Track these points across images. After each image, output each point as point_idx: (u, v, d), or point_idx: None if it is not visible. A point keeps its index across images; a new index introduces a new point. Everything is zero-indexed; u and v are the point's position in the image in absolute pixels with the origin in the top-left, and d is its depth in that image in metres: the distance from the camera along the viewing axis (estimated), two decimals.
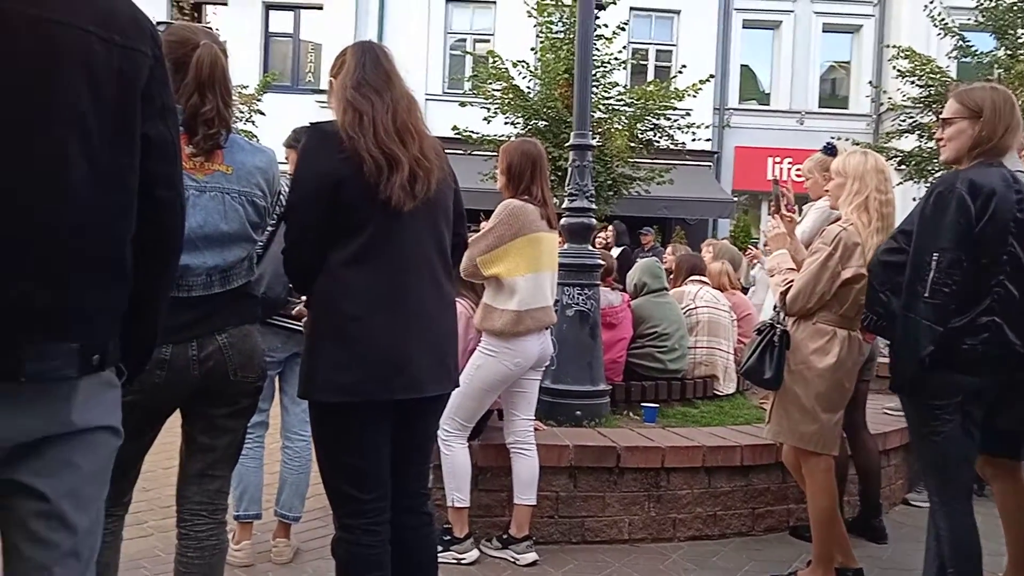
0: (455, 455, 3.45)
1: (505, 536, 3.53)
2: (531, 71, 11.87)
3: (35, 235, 1.29)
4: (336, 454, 2.23)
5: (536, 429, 3.74)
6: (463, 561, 3.44)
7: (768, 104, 17.65)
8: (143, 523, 3.69)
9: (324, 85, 2.57)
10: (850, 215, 3.23)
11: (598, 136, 10.70)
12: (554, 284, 3.58)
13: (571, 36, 10.75)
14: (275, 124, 8.81)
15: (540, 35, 11.95)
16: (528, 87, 11.95)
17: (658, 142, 12.25)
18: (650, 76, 15.43)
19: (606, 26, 10.94)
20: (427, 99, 14.83)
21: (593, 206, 4.50)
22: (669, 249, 9.59)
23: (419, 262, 2.21)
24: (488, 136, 11.56)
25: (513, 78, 11.66)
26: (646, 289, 4.97)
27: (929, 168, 12.04)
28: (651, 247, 11.38)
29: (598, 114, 11.08)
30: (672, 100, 11.79)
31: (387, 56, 2.27)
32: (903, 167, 12.34)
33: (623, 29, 11.94)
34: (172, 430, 2.20)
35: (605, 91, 11.52)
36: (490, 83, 11.79)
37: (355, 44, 2.31)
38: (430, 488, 2.61)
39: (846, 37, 17.77)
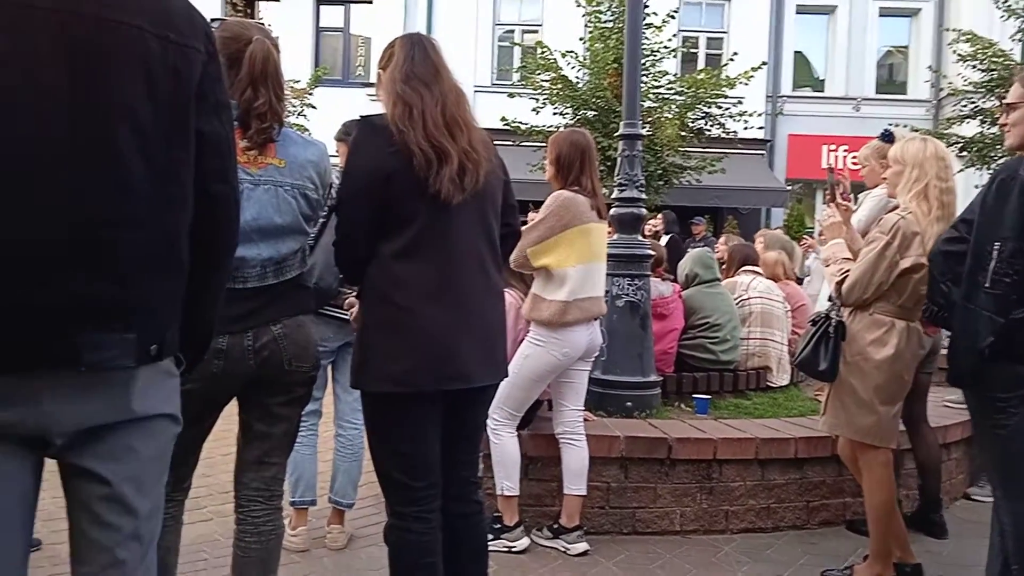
0: (504, 444, 3.47)
1: (556, 526, 3.54)
2: (580, 61, 11.79)
3: (93, 228, 1.33)
4: (387, 442, 2.26)
5: (586, 420, 3.74)
6: (513, 549, 3.45)
7: (823, 91, 17.28)
8: (203, 508, 3.78)
9: (374, 78, 2.59)
10: (909, 203, 3.14)
11: (648, 125, 10.59)
12: (603, 275, 3.57)
13: (620, 25, 10.66)
14: (326, 117, 8.90)
15: (589, 24, 11.87)
16: (577, 77, 11.88)
17: (709, 131, 12.08)
18: (701, 64, 15.22)
19: (655, 14, 10.81)
20: (476, 91, 14.84)
21: (643, 196, 4.47)
22: (721, 239, 9.47)
23: (468, 254, 2.22)
24: (537, 127, 11.52)
25: (562, 68, 11.60)
26: (698, 280, 4.92)
27: (991, 155, 11.64)
28: (703, 237, 11.25)
29: (648, 103, 10.97)
30: (723, 88, 11.61)
31: (435, 48, 2.28)
32: (964, 154, 11.97)
33: (673, 17, 11.79)
34: (230, 418, 2.25)
35: (655, 80, 11.40)
36: (539, 74, 11.75)
37: (403, 36, 2.32)
38: (480, 477, 2.63)
39: (904, 21, 17.29)
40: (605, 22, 11.50)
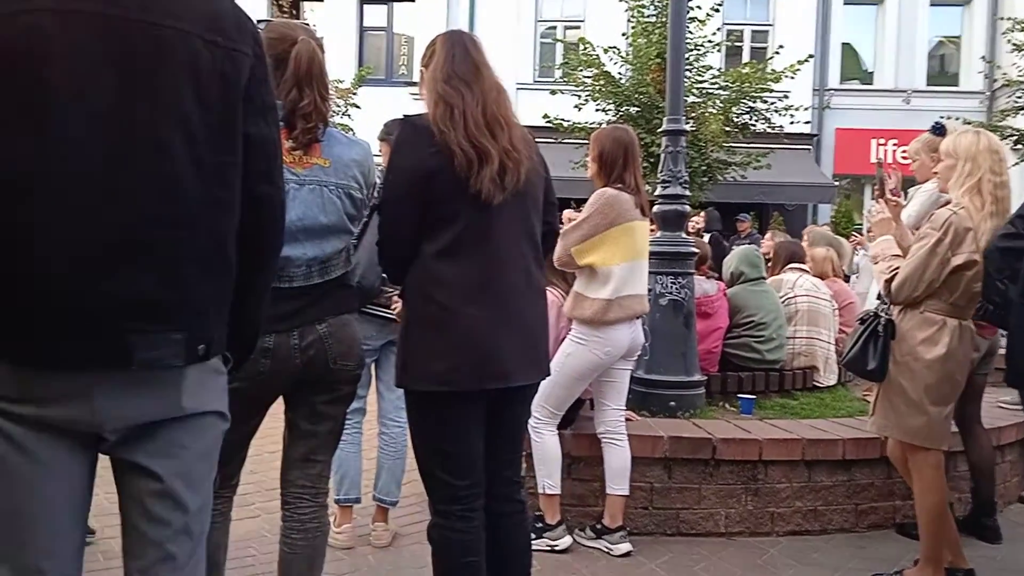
0: (545, 442, 3.46)
1: (598, 526, 3.52)
2: (622, 57, 11.72)
3: (144, 229, 1.35)
4: (430, 441, 2.27)
5: (629, 420, 3.72)
6: (556, 548, 3.45)
7: (871, 83, 16.92)
8: (250, 505, 3.84)
9: (417, 77, 2.61)
10: (961, 198, 3.07)
11: (692, 121, 10.49)
12: (646, 272, 3.54)
13: (663, 20, 10.56)
14: (370, 117, 8.98)
15: (631, 20, 11.79)
16: (619, 73, 11.81)
17: (754, 126, 11.91)
18: (745, 58, 15.00)
19: (699, 8, 10.71)
20: (518, 88, 14.84)
21: (687, 193, 4.43)
22: (767, 236, 9.35)
23: (510, 253, 2.22)
24: (579, 124, 11.48)
25: (604, 64, 11.54)
26: (743, 278, 4.85)
27: None
28: (748, 234, 11.12)
29: (691, 98, 10.86)
30: (769, 82, 11.44)
31: (476, 46, 2.28)
32: (1019, 147, 11.65)
33: (717, 10, 11.66)
34: (277, 415, 2.28)
35: (699, 75, 11.29)
36: (581, 70, 11.70)
37: (444, 34, 2.33)
38: (523, 476, 2.63)
39: (956, 10, 16.85)
40: (648, 17, 11.42)
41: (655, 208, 4.28)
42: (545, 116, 11.66)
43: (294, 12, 15.84)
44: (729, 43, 14.41)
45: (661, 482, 3.71)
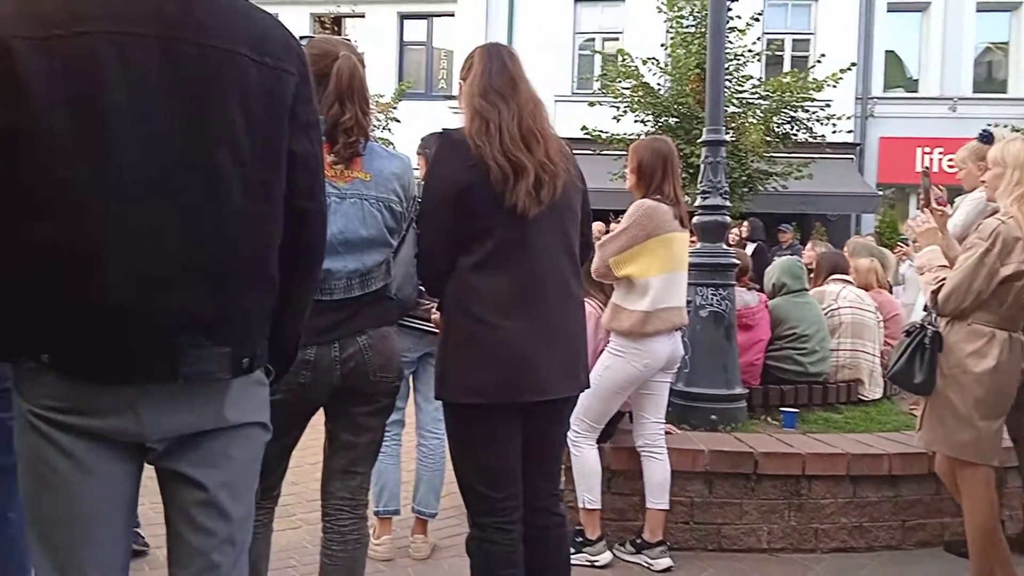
0: (584, 456, 3.44)
1: (638, 540, 3.49)
2: (661, 67, 11.68)
3: (195, 247, 1.38)
4: (468, 453, 2.28)
5: (669, 433, 3.68)
6: (596, 563, 3.42)
7: (916, 91, 16.63)
8: (292, 516, 3.87)
9: (456, 91, 2.63)
10: (1010, 207, 3.00)
11: (732, 131, 10.41)
12: (685, 284, 3.52)
13: (702, 30, 10.51)
14: (410, 131, 9.06)
15: (670, 30, 11.75)
16: (658, 84, 11.77)
17: (795, 135, 11.78)
18: (786, 67, 14.85)
19: (739, 17, 10.63)
20: (556, 100, 14.85)
21: (727, 203, 4.39)
22: (808, 246, 9.22)
23: (546, 265, 2.22)
24: (618, 135, 11.46)
25: (643, 75, 11.51)
26: (785, 289, 4.80)
27: None
28: (789, 245, 10.97)
29: (731, 108, 10.78)
30: (810, 91, 11.31)
31: (513, 58, 2.29)
32: None
33: (757, 20, 11.56)
34: (319, 427, 2.30)
35: (739, 84, 11.20)
36: (619, 81, 11.68)
37: (482, 47, 2.34)
38: (562, 489, 2.62)
39: (1003, 16, 16.51)
40: (687, 27, 11.37)
41: (695, 219, 4.25)
42: (583, 128, 11.66)
43: (336, 28, 16.11)
44: (770, 52, 14.30)
45: (702, 497, 3.66)
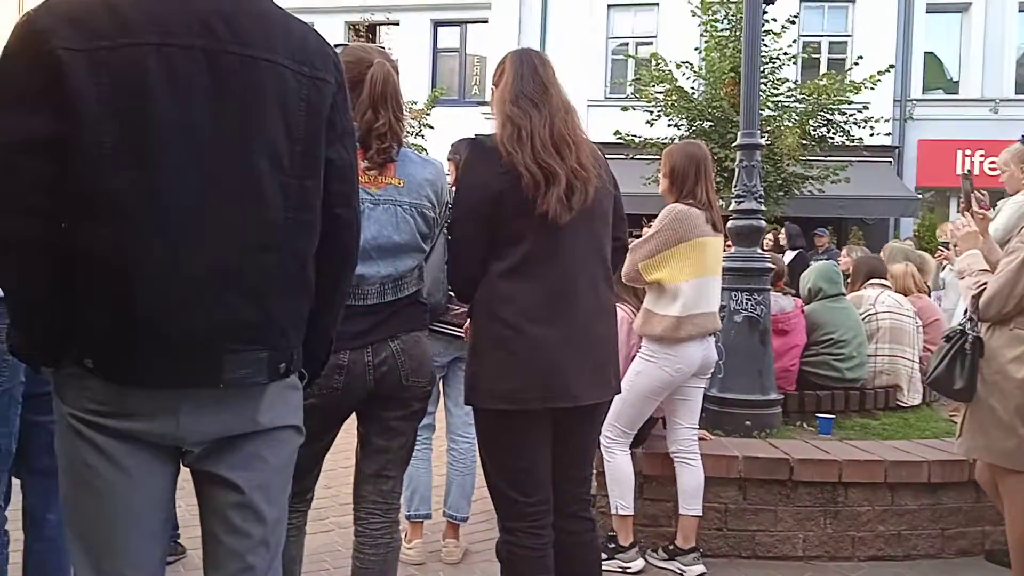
0: (617, 462, 3.43)
1: (671, 547, 3.46)
2: (695, 71, 11.62)
3: (237, 254, 1.41)
4: (498, 458, 2.28)
5: (702, 439, 3.66)
6: (628, 570, 3.41)
7: (956, 93, 16.34)
8: (325, 519, 3.90)
9: (489, 96, 2.65)
10: None
11: (767, 135, 10.32)
12: (718, 289, 3.49)
13: (737, 33, 10.44)
14: (443, 137, 9.13)
15: (704, 34, 11.68)
16: (692, 88, 11.71)
17: (832, 138, 11.64)
18: (823, 69, 14.69)
19: (774, 20, 10.53)
20: (589, 105, 14.86)
21: (762, 207, 4.35)
22: (844, 251, 9.10)
23: (577, 272, 2.22)
24: (651, 140, 11.41)
25: (677, 79, 11.46)
26: (821, 294, 4.74)
27: None
28: (826, 249, 10.84)
29: (767, 112, 10.68)
30: (848, 93, 11.17)
31: (544, 64, 2.29)
32: None
33: (793, 22, 11.45)
34: (352, 430, 2.32)
35: (774, 87, 11.10)
36: (653, 86, 11.64)
37: (514, 53, 2.34)
38: (593, 495, 2.61)
39: None
40: (721, 31, 11.29)
41: (729, 223, 4.22)
42: (616, 132, 11.63)
43: (370, 36, 16.24)
44: (806, 55, 14.14)
45: (736, 503, 3.63)
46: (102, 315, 1.36)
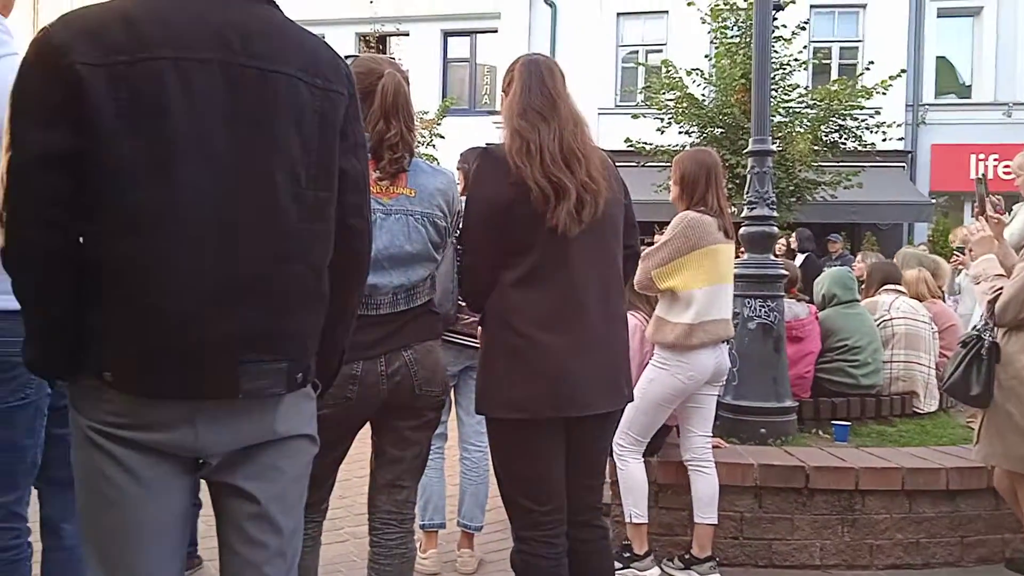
0: (630, 470, 3.41)
1: (687, 556, 3.44)
2: (706, 78, 11.61)
3: (255, 265, 1.42)
4: (511, 467, 2.28)
5: (717, 447, 3.64)
6: None
7: (969, 97, 16.24)
8: (340, 529, 3.90)
9: (499, 105, 2.65)
10: None
11: (778, 141, 10.28)
12: (731, 296, 3.48)
13: (747, 40, 10.43)
14: (454, 146, 9.16)
15: (715, 41, 11.68)
16: (703, 95, 11.70)
17: (844, 144, 11.60)
18: (834, 75, 14.66)
19: (785, 26, 10.52)
20: (599, 113, 14.86)
21: (774, 213, 4.34)
22: (859, 256, 9.05)
23: (588, 281, 2.22)
24: (662, 147, 11.41)
25: (687, 87, 11.46)
26: (835, 300, 4.72)
27: None
28: (839, 255, 10.79)
29: (778, 118, 10.66)
30: (859, 99, 11.13)
31: (553, 74, 2.28)
32: None
33: (803, 28, 11.43)
34: (367, 441, 2.32)
35: (785, 94, 11.07)
36: (663, 93, 11.64)
37: (524, 61, 2.32)
38: (607, 504, 2.60)
39: None
40: (732, 38, 11.28)
41: (742, 230, 4.21)
42: (627, 140, 11.63)
43: (380, 47, 16.32)
44: (816, 61, 14.10)
45: (751, 511, 3.61)
46: (120, 327, 1.36)
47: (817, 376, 4.53)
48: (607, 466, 2.56)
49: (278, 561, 1.54)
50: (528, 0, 16.87)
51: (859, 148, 11.60)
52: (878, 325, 4.72)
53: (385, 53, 16.42)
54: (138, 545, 1.43)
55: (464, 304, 2.57)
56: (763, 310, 4.13)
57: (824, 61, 15.30)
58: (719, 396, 3.63)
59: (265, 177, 1.42)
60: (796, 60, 11.18)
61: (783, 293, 4.30)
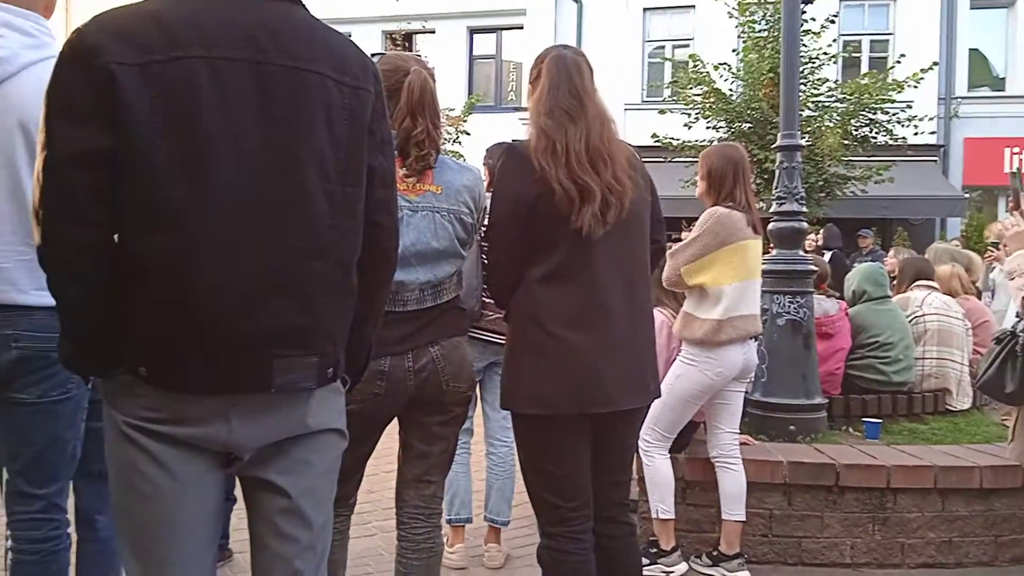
0: (656, 466, 3.40)
1: (715, 553, 3.43)
2: (733, 73, 11.52)
3: (288, 261, 1.43)
4: (537, 462, 2.28)
5: (746, 444, 3.61)
6: (671, 574, 3.38)
7: (1003, 90, 15.95)
8: (367, 523, 3.93)
9: (525, 101, 2.64)
10: None
11: (807, 135, 10.17)
12: (759, 292, 3.45)
13: (775, 34, 10.32)
14: (480, 143, 9.16)
15: (742, 35, 11.57)
16: (730, 89, 11.61)
17: (875, 138, 11.44)
18: (864, 68, 14.47)
19: (813, 20, 10.40)
20: (625, 109, 14.79)
21: (803, 209, 4.30)
22: (890, 252, 8.93)
23: (613, 278, 2.21)
24: (689, 142, 11.33)
25: (715, 81, 11.37)
26: (866, 296, 4.66)
27: None
28: (870, 250, 10.66)
29: (807, 112, 10.54)
30: (890, 92, 10.97)
31: (581, 70, 2.26)
32: None
33: (833, 21, 11.28)
34: (395, 435, 2.34)
35: (814, 88, 10.95)
36: (690, 88, 11.56)
37: (552, 57, 2.29)
38: (634, 500, 2.60)
39: None
40: (759, 32, 11.18)
41: (770, 225, 4.18)
42: (653, 136, 11.57)
43: (406, 44, 16.37)
44: (846, 54, 13.93)
45: (781, 509, 3.58)
46: (155, 323, 1.38)
47: (848, 373, 4.48)
48: (634, 462, 2.55)
49: (308, 555, 1.56)
50: None
51: (890, 142, 11.45)
52: (910, 321, 4.66)
53: (411, 51, 16.47)
54: (171, 539, 1.45)
55: (489, 301, 2.57)
56: (792, 306, 4.10)
57: (854, 54, 15.12)
58: (747, 392, 3.60)
59: (296, 174, 1.43)
60: (825, 54, 11.05)
61: (813, 289, 4.26)
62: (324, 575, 1.61)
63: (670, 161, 11.36)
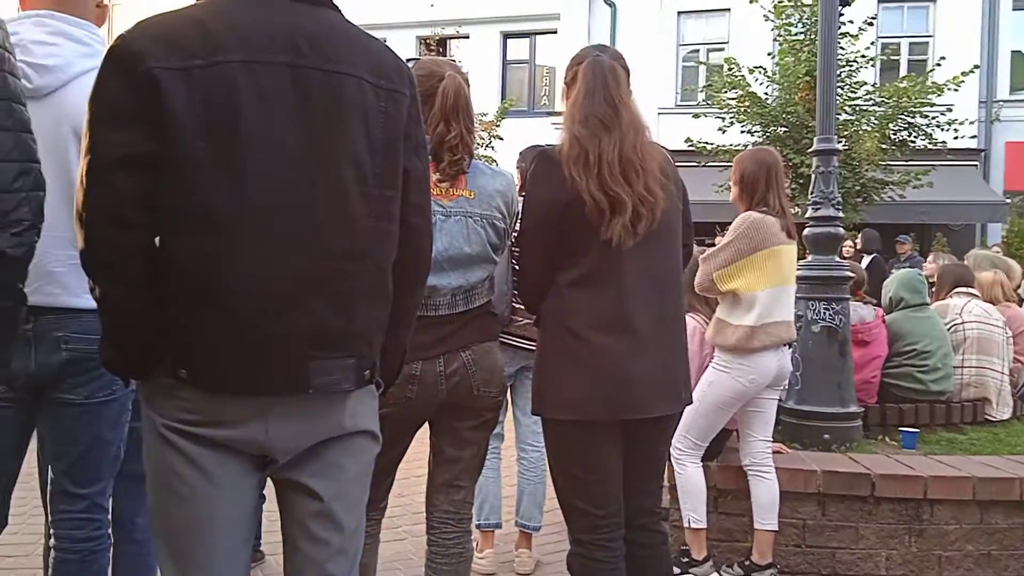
0: (688, 474, 3.37)
1: (747, 562, 3.39)
2: (769, 76, 11.41)
3: (326, 263, 1.45)
4: (567, 468, 2.27)
5: (779, 452, 3.57)
6: None
7: None
8: (398, 527, 3.94)
9: (559, 106, 2.64)
10: None
11: (844, 139, 10.04)
12: (793, 298, 3.41)
13: (812, 37, 10.22)
14: (513, 148, 9.16)
15: (778, 39, 11.47)
16: (766, 93, 11.50)
17: (914, 142, 11.26)
18: (903, 71, 14.25)
19: (851, 22, 10.27)
20: (659, 113, 14.72)
21: (840, 214, 4.24)
22: (929, 258, 8.78)
23: (644, 285, 2.19)
24: (723, 147, 11.24)
25: (750, 85, 11.27)
26: (903, 303, 4.58)
27: None
28: (908, 256, 10.48)
29: (844, 116, 10.41)
30: (930, 95, 10.80)
31: (618, 77, 2.23)
32: None
33: (871, 24, 11.15)
34: (425, 440, 2.34)
35: (852, 91, 10.81)
36: (725, 92, 11.47)
37: (589, 62, 2.25)
38: (666, 508, 2.58)
39: None
40: (796, 35, 11.07)
41: (806, 231, 4.13)
42: (687, 140, 11.50)
43: (441, 49, 16.45)
44: (884, 57, 13.73)
45: (814, 519, 3.52)
46: (194, 325, 1.40)
47: (884, 381, 4.41)
48: (665, 470, 2.52)
49: (340, 559, 1.57)
50: (588, 0, 16.80)
51: (929, 147, 11.26)
52: (949, 329, 4.58)
53: (445, 56, 16.55)
54: (208, 541, 1.46)
55: (519, 306, 2.57)
56: (828, 313, 4.04)
57: (892, 57, 14.90)
58: (780, 400, 3.56)
59: (334, 176, 1.44)
60: (863, 56, 10.91)
61: (849, 296, 4.20)
62: None
63: (704, 166, 11.29)
